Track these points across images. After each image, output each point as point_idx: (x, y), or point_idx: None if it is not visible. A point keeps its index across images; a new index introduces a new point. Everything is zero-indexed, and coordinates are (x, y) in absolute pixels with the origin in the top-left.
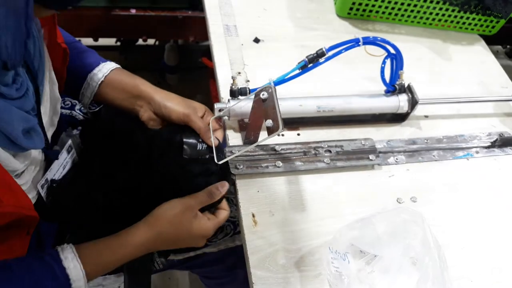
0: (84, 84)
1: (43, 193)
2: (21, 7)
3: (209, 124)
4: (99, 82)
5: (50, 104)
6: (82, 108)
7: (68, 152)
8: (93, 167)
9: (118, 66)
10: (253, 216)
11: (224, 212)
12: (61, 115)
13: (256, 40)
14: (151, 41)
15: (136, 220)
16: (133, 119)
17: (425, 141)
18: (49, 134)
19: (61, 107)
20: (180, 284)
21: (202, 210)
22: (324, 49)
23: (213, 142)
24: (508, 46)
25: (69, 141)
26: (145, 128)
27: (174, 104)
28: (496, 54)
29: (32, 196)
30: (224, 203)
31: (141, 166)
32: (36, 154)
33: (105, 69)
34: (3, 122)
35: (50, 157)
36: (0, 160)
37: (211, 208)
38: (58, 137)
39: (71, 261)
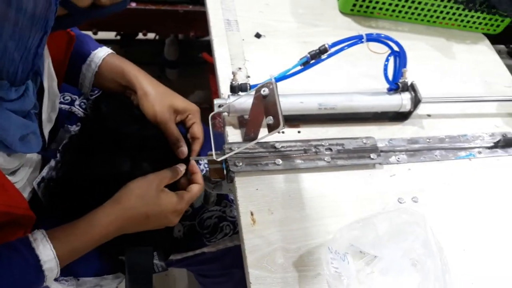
0: (80, 76)
1: (39, 192)
2: (33, 47)
3: (190, 127)
4: (94, 73)
5: (49, 100)
6: (82, 103)
7: (63, 151)
8: (89, 166)
9: (110, 51)
10: (252, 214)
11: (196, 186)
12: (60, 111)
13: (258, 36)
14: (151, 35)
15: None
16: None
17: (427, 140)
18: (46, 131)
19: (61, 103)
20: (178, 281)
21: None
22: (327, 45)
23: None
24: (511, 46)
25: (66, 139)
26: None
27: (151, 105)
28: (498, 53)
29: (26, 194)
30: (199, 178)
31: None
32: (34, 155)
33: (97, 58)
34: (0, 129)
35: (47, 157)
36: None
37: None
38: (55, 133)
39: (40, 241)
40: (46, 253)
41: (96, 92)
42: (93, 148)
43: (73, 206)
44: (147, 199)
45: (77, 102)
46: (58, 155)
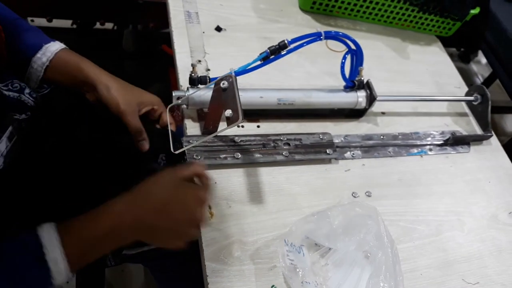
0: (28, 69)
1: None
2: None
3: (159, 117)
4: (44, 67)
5: None
6: (32, 92)
7: (10, 139)
8: (37, 159)
9: (63, 46)
10: (210, 208)
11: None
12: (7, 99)
13: (218, 29)
14: (109, 26)
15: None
16: (87, 104)
17: (381, 137)
18: None
19: (9, 90)
20: (134, 277)
21: None
22: (286, 41)
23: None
24: (461, 49)
25: (10, 128)
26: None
27: (114, 97)
28: (450, 56)
29: None
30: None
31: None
32: None
33: (49, 52)
34: None
35: None
36: None
37: None
38: (1, 122)
39: (59, 259)
40: (59, 269)
41: (44, 89)
42: (42, 141)
43: (20, 199)
44: (167, 184)
45: (26, 90)
46: (4, 145)
